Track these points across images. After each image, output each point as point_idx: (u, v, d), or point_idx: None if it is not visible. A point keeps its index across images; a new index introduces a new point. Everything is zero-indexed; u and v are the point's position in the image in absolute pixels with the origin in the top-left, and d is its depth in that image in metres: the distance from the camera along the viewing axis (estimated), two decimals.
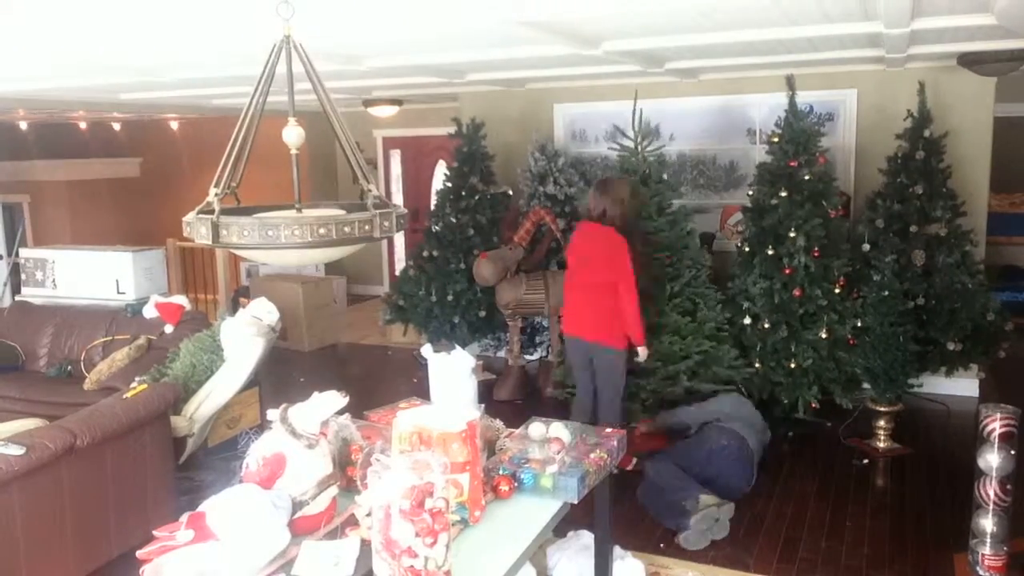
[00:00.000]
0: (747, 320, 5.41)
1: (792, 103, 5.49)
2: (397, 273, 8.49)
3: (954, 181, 5.61)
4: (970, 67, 5.32)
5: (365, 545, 2.01)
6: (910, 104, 5.58)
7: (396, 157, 10.56)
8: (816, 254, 5.31)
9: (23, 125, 9.79)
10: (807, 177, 5.38)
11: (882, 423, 5.17)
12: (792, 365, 5.31)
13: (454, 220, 6.77)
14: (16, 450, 3.24)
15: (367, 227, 2.21)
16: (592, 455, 2.71)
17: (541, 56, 4.69)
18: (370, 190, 2.32)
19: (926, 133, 5.50)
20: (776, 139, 5.49)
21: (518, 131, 7.21)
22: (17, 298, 6.97)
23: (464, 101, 7.55)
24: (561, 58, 4.84)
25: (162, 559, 2.00)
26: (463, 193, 6.80)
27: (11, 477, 3.21)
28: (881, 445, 5.16)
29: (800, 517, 4.32)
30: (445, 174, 7.09)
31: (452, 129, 7.00)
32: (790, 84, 5.49)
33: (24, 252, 7.14)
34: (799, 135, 5.41)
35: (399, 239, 10.11)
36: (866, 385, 5.25)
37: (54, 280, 6.70)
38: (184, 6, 3.13)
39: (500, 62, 5.25)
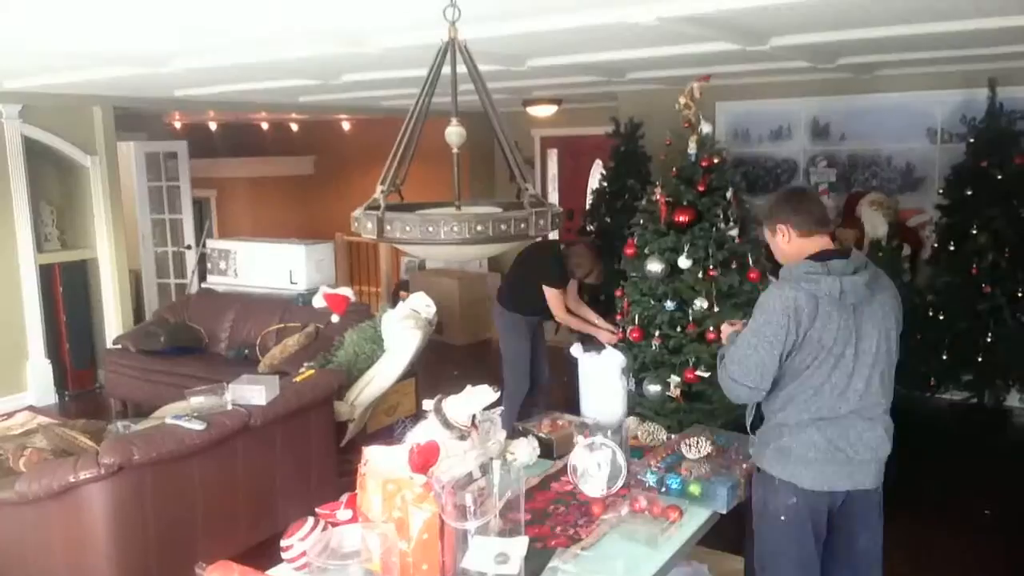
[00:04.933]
0: (930, 313, 5.63)
1: (992, 104, 5.52)
2: None
3: None
4: None
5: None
6: None
7: (553, 156, 10.62)
8: (1007, 254, 5.41)
9: (212, 126, 10.62)
10: (999, 177, 5.39)
11: None
12: (980, 359, 5.51)
13: (609, 220, 6.74)
14: (198, 425, 3.52)
15: (523, 225, 2.23)
16: (745, 464, 2.62)
17: (704, 53, 4.57)
18: (527, 188, 2.34)
19: None
20: (972, 140, 5.59)
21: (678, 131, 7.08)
22: (203, 285, 7.57)
23: (623, 100, 7.49)
24: (726, 55, 4.70)
25: (327, 532, 2.11)
26: (619, 193, 6.76)
27: (193, 450, 3.50)
28: None
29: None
30: (601, 174, 7.07)
31: (610, 128, 6.97)
32: (991, 86, 5.53)
33: (210, 243, 7.75)
34: (996, 136, 5.48)
35: (554, 237, 10.16)
36: None
37: (235, 269, 7.23)
38: (357, 10, 3.29)
39: (662, 60, 5.16)
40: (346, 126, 10.90)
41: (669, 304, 4.30)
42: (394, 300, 7.69)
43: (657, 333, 4.33)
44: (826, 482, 2.43)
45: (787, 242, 2.51)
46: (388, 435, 5.03)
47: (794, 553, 2.46)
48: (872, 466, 2.49)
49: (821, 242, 2.48)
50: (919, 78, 6.15)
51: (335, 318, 5.91)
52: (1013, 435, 5.57)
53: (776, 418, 2.47)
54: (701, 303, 4.23)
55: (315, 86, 6.03)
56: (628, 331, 4.45)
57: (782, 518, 2.45)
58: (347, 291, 6.22)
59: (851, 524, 2.52)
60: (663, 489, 2.57)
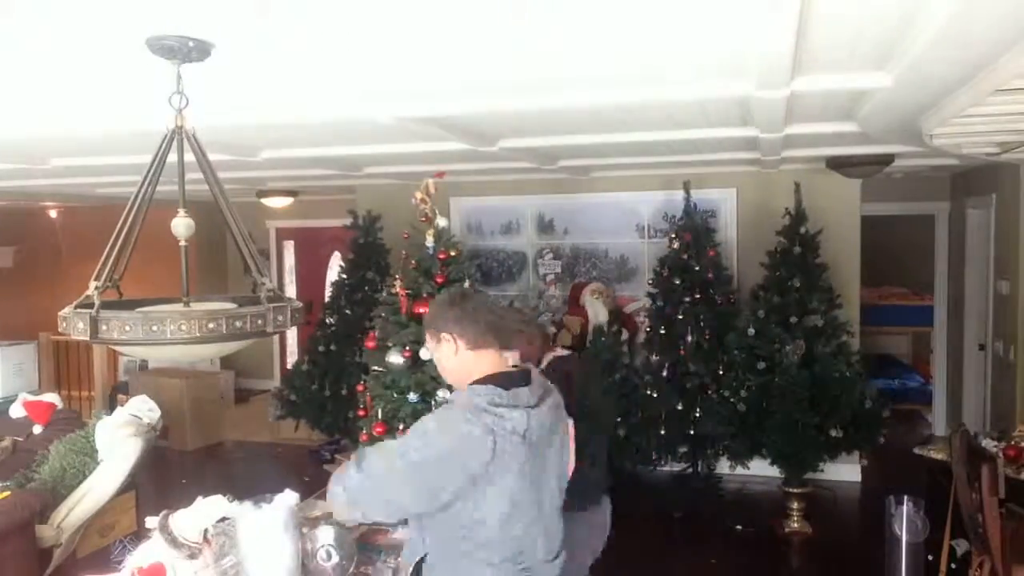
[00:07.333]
0: (647, 392, 6.06)
1: (688, 204, 6.22)
2: (289, 366, 8.25)
3: (829, 275, 5.94)
4: (838, 169, 5.73)
5: None
6: (786, 203, 5.93)
7: (290, 248, 10.41)
8: (707, 336, 6.00)
9: None
10: (697, 268, 6.07)
11: (795, 505, 5.54)
12: (691, 432, 5.96)
13: (349, 312, 6.67)
14: None
15: (260, 321, 2.14)
16: None
17: (438, 151, 4.77)
18: (263, 283, 2.26)
19: (802, 230, 5.83)
20: (675, 235, 6.21)
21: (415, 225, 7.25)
22: None
23: (361, 193, 7.56)
24: (458, 154, 4.94)
25: None
26: (359, 285, 6.74)
27: None
28: (795, 526, 5.53)
29: None
30: (340, 266, 7.03)
31: (348, 220, 6.98)
32: (686, 188, 6.23)
33: None
34: (693, 232, 6.14)
35: (291, 331, 9.88)
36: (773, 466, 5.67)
37: None
38: (71, 91, 3.04)
39: (397, 156, 5.30)
40: (53, 214, 9.93)
41: (412, 396, 4.30)
42: (111, 404, 7.00)
43: (401, 427, 4.29)
44: None
45: (454, 354, 2.14)
46: (104, 559, 4.49)
47: None
48: None
49: (492, 358, 2.13)
50: (627, 180, 6.87)
51: (37, 429, 5.24)
52: (725, 498, 6.17)
53: None
54: (444, 393, 4.27)
55: (16, 170, 5.45)
56: (372, 426, 4.37)
57: None
58: (52, 397, 5.56)
59: None
60: None
